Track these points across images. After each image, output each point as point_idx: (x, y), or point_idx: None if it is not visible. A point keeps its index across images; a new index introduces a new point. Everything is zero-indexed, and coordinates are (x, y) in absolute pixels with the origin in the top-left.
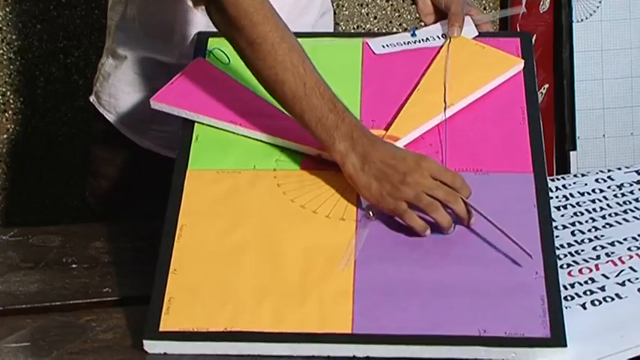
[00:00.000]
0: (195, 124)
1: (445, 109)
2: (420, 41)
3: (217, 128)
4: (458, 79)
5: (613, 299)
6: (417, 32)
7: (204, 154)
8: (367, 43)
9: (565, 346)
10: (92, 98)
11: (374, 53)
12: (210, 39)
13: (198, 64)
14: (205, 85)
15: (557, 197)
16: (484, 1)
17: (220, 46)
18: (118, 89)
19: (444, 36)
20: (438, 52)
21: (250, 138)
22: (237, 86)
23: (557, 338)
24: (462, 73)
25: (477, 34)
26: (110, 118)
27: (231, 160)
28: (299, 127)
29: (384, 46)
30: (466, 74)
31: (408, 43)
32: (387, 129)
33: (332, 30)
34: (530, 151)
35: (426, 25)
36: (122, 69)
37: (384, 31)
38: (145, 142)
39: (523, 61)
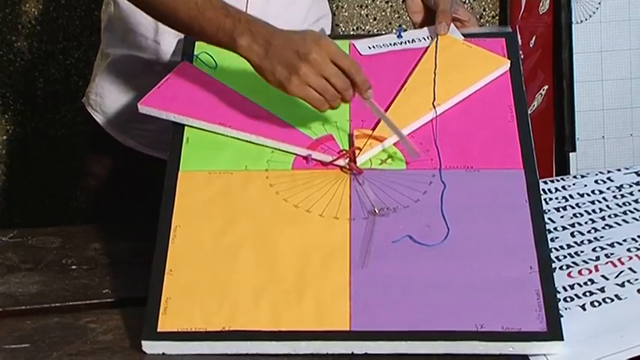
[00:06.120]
0: (186, 126)
1: (434, 106)
2: (405, 42)
3: (207, 131)
4: (445, 79)
5: (612, 300)
6: (403, 34)
7: (195, 155)
8: (353, 45)
9: (561, 339)
10: (83, 99)
11: (360, 54)
12: (197, 43)
13: (184, 68)
14: (192, 88)
15: (556, 198)
16: (483, 2)
17: (207, 50)
18: (104, 88)
19: (430, 38)
20: (425, 52)
21: (240, 139)
22: (225, 88)
23: (553, 332)
24: (448, 73)
25: (462, 39)
26: (97, 117)
27: (222, 161)
28: (289, 128)
29: (370, 47)
30: (453, 74)
31: (394, 44)
32: (373, 129)
33: (328, 34)
34: (519, 147)
35: (414, 23)
36: (107, 68)
37: (383, 32)
38: (129, 141)
39: (509, 61)
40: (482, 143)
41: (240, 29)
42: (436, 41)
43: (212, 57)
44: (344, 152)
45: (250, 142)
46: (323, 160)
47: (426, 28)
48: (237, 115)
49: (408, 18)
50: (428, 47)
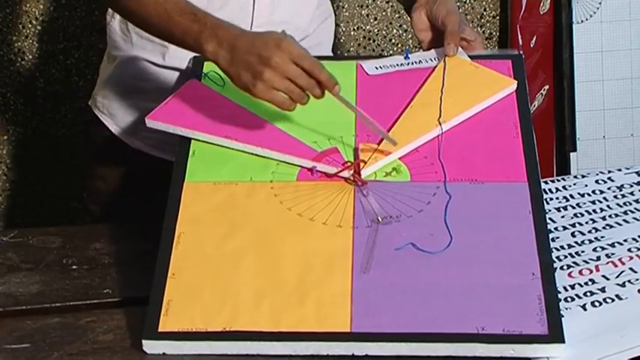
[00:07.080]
0: (192, 140)
1: (440, 122)
2: (412, 63)
3: (213, 144)
4: (452, 97)
5: (613, 300)
6: (410, 55)
7: (201, 167)
8: (360, 65)
9: (563, 342)
10: (90, 102)
11: (367, 74)
12: (205, 62)
13: (192, 85)
14: (200, 104)
15: (557, 198)
16: (484, 2)
17: (216, 69)
18: (111, 90)
19: (437, 59)
20: (432, 71)
21: (246, 152)
22: (231, 104)
23: (554, 335)
24: (455, 92)
25: (470, 60)
26: (104, 119)
27: (227, 172)
28: (295, 141)
29: (377, 68)
30: (460, 93)
31: (401, 65)
32: (379, 143)
33: (332, 34)
34: (524, 162)
35: (419, 41)
36: (113, 70)
37: (383, 32)
38: (136, 142)
39: (516, 81)
40: (486, 157)
41: (206, 34)
42: (444, 61)
43: (220, 75)
44: (349, 164)
45: (256, 154)
46: (328, 171)
47: (433, 50)
48: (243, 129)
49: (408, 18)
50: (435, 67)
